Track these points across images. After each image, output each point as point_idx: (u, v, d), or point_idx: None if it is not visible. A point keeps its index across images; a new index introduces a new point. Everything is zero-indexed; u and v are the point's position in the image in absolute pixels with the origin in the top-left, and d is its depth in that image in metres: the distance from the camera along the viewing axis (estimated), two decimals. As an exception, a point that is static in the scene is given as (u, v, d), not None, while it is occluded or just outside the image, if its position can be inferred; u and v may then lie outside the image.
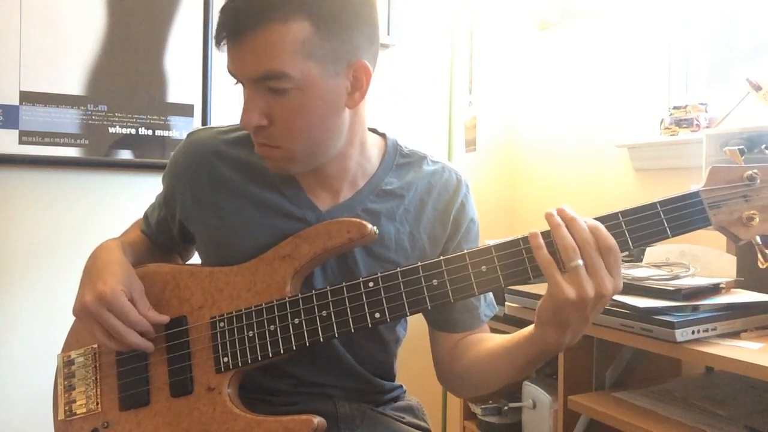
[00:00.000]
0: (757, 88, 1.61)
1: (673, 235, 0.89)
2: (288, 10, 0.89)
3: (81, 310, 0.99)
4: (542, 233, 0.87)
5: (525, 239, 0.89)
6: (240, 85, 0.96)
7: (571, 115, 2.27)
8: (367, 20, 0.96)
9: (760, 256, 0.90)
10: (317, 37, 0.91)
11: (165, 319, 1.01)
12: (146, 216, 1.20)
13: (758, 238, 0.89)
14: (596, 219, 0.89)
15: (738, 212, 0.89)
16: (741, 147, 0.90)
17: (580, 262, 0.83)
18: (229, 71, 0.95)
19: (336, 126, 0.98)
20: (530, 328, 0.92)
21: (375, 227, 0.99)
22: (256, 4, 0.90)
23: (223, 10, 0.93)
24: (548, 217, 0.86)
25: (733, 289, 1.37)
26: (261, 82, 0.92)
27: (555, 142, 2.34)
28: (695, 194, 0.89)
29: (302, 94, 0.92)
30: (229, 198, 1.05)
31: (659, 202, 0.89)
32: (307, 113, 0.94)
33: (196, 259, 1.17)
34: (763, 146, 1.33)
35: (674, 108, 1.87)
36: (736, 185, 0.89)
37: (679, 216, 0.88)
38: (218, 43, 0.94)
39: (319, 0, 0.90)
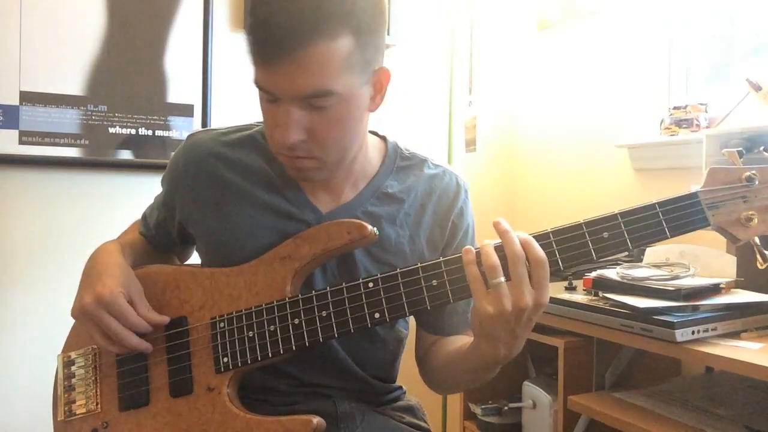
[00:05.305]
0: (757, 88, 1.61)
1: (672, 236, 0.89)
2: (335, 26, 0.87)
3: (80, 312, 0.99)
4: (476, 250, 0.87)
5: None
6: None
7: (571, 115, 2.26)
8: (385, 25, 0.97)
9: (758, 256, 0.90)
10: (357, 50, 0.89)
11: (165, 319, 1.02)
12: (144, 217, 1.20)
13: (757, 239, 0.89)
14: (595, 219, 0.89)
15: (736, 213, 0.89)
16: (740, 149, 0.90)
17: (502, 279, 0.84)
18: (265, 88, 0.91)
19: (360, 131, 1.00)
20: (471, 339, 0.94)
21: (375, 228, 0.99)
22: (303, 20, 0.85)
23: (262, 26, 0.87)
24: (481, 246, 0.88)
25: (733, 290, 1.37)
26: (304, 100, 0.90)
27: (555, 142, 2.34)
28: (694, 195, 0.89)
29: (342, 107, 0.92)
30: (230, 200, 1.05)
31: (658, 203, 0.89)
32: (344, 124, 0.94)
33: (195, 259, 1.16)
34: (762, 148, 1.33)
35: (674, 108, 1.86)
36: (735, 186, 0.89)
37: (677, 216, 0.89)
38: (258, 61, 0.89)
39: (359, 11, 0.89)
